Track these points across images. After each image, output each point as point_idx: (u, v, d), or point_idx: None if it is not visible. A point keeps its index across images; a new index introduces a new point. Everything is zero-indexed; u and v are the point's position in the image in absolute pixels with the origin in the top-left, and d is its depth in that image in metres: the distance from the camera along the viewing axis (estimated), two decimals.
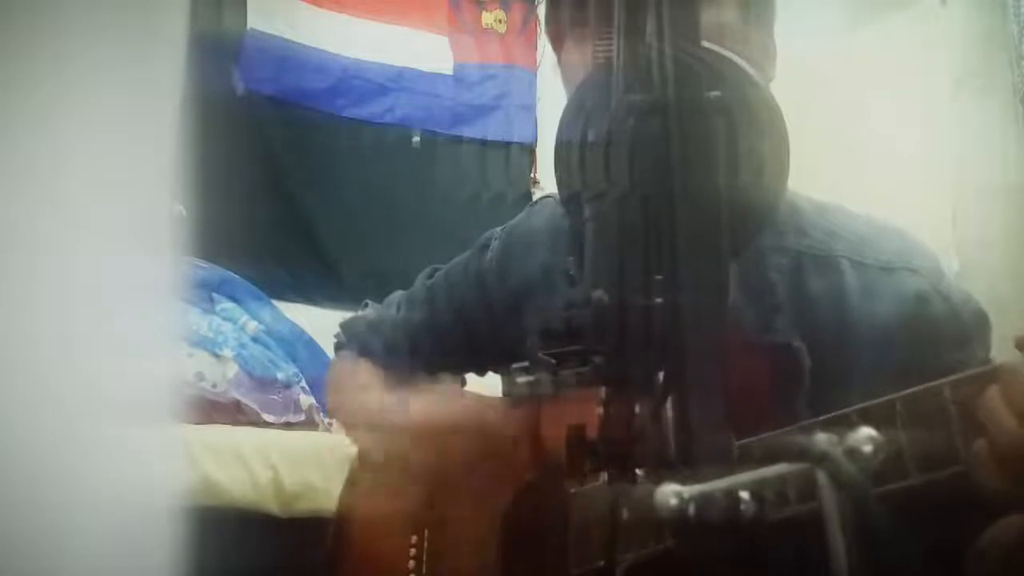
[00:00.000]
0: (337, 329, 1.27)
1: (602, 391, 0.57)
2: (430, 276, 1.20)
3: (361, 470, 1.14)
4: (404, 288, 1.23)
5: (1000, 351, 0.86)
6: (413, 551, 1.06)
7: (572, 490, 0.88)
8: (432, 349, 1.15)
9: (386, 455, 1.07)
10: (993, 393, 0.63)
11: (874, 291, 0.89)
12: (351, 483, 1.17)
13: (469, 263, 1.14)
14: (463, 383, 1.19)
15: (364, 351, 1.20)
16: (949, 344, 0.87)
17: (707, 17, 0.82)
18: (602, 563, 0.81)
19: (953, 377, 0.65)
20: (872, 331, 0.87)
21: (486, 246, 1.12)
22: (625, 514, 0.67)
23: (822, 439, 0.50)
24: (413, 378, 1.12)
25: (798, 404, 0.84)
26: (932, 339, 0.87)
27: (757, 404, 0.74)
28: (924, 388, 0.65)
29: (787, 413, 0.69)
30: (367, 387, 1.15)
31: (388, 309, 1.21)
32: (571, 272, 0.90)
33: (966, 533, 0.76)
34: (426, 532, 1.06)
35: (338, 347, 1.26)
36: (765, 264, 0.90)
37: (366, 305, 1.25)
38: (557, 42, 0.96)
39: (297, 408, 2.12)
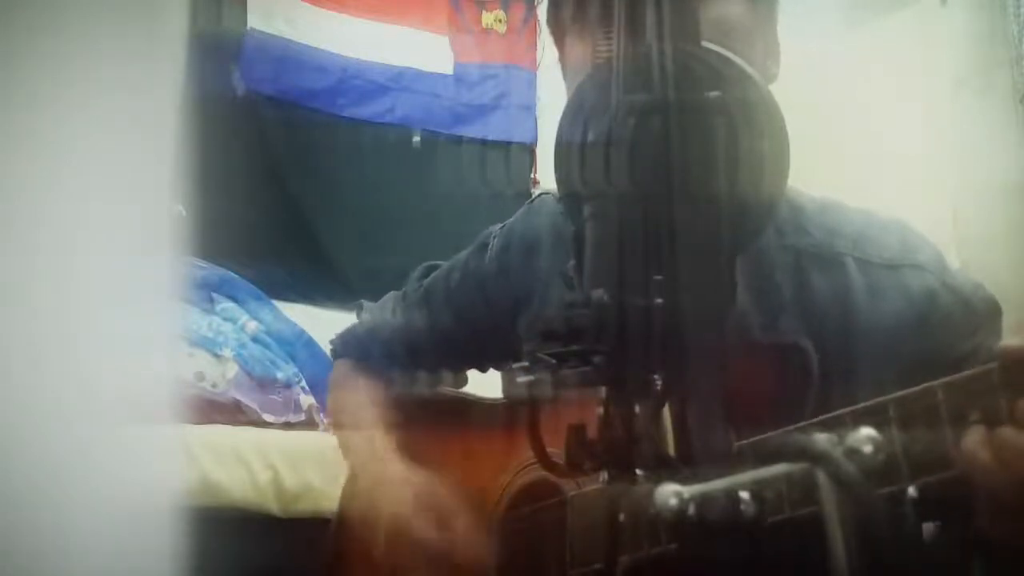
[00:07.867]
0: (333, 336, 1.26)
1: (602, 391, 0.57)
2: (425, 275, 1.18)
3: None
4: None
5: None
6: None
7: (571, 493, 0.87)
8: (432, 351, 1.14)
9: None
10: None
11: (880, 290, 0.88)
12: (352, 482, 1.17)
13: (468, 262, 1.13)
14: (465, 381, 1.18)
15: (361, 360, 1.20)
16: (962, 335, 0.86)
17: (712, 11, 0.82)
18: (601, 565, 0.81)
19: (945, 379, 0.63)
20: (880, 330, 0.87)
21: (485, 245, 1.11)
22: (622, 517, 0.66)
23: (822, 439, 0.50)
24: (413, 383, 1.12)
25: (807, 404, 0.83)
26: (945, 334, 0.86)
27: (764, 405, 0.74)
28: (919, 390, 0.63)
29: (795, 413, 0.69)
30: (361, 416, 1.15)
31: (383, 313, 1.20)
32: (570, 276, 0.89)
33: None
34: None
35: (334, 355, 1.26)
36: (769, 263, 0.90)
37: (360, 307, 1.25)
38: (558, 37, 0.96)
39: (297, 408, 2.12)
